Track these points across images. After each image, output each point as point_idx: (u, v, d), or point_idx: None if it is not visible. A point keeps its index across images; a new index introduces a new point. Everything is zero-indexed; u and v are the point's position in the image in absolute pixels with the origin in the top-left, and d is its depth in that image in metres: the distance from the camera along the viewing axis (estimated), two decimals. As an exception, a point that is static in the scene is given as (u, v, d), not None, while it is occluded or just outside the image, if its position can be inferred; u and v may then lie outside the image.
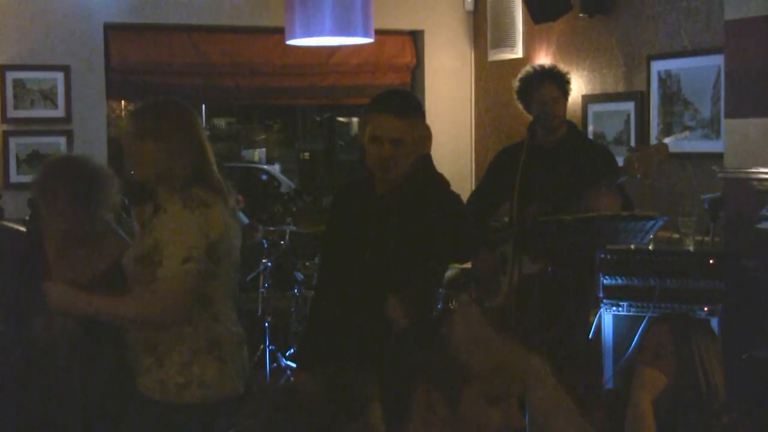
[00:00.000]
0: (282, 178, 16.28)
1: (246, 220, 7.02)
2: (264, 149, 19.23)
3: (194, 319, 3.51)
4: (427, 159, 3.78)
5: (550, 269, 4.95)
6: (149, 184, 3.61)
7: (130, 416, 3.58)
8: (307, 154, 19.04)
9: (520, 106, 5.30)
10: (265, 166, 17.38)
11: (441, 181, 3.79)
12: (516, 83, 5.30)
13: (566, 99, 5.22)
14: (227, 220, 3.55)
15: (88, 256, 3.92)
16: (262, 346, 6.82)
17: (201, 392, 3.48)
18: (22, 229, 5.44)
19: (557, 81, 5.17)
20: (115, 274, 3.72)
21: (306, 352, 3.96)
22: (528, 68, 5.34)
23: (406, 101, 3.76)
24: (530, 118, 5.19)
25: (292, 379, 5.04)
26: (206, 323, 3.54)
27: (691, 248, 5.34)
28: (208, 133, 3.84)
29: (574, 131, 5.32)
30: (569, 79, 5.25)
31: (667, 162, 5.08)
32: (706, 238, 5.48)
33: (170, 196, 3.51)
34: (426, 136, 3.75)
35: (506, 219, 5.11)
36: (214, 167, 3.61)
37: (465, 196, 4.91)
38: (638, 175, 4.81)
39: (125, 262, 3.64)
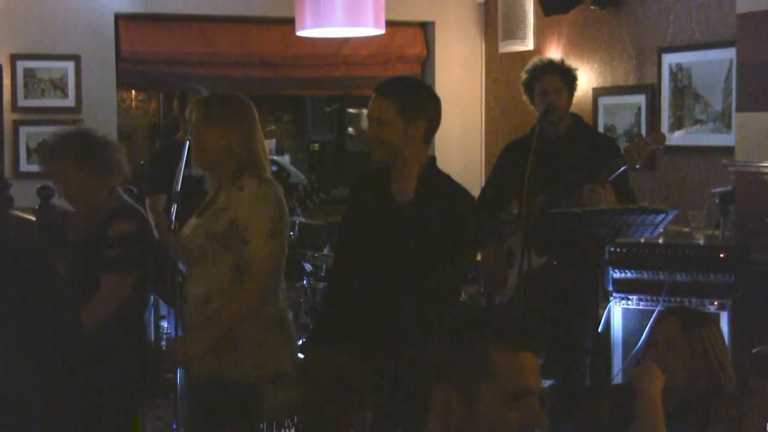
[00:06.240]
0: (292, 169, 16.27)
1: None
2: (274, 140, 19.22)
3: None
4: (432, 161, 3.70)
5: (555, 262, 4.93)
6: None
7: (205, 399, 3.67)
8: (317, 145, 19.03)
9: (526, 99, 5.27)
10: (275, 157, 17.36)
11: (450, 180, 3.71)
12: (522, 75, 5.28)
13: (570, 92, 5.16)
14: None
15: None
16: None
17: (275, 370, 3.53)
18: (32, 218, 5.42)
19: (560, 72, 5.14)
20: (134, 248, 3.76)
21: (316, 341, 3.91)
22: (535, 59, 5.34)
23: (402, 85, 3.66)
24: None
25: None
26: (275, 300, 3.62)
27: (701, 242, 5.32)
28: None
29: (579, 123, 5.28)
30: (575, 73, 5.20)
31: (674, 154, 5.06)
32: (717, 232, 5.46)
33: (238, 178, 3.60)
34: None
35: (515, 212, 5.10)
36: (267, 159, 3.72)
37: (475, 187, 4.91)
38: (637, 166, 4.77)
39: (187, 239, 3.68)
